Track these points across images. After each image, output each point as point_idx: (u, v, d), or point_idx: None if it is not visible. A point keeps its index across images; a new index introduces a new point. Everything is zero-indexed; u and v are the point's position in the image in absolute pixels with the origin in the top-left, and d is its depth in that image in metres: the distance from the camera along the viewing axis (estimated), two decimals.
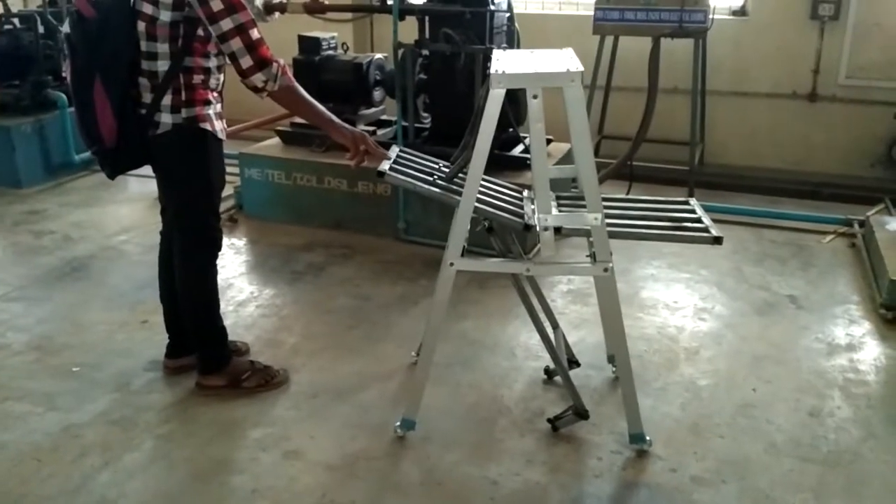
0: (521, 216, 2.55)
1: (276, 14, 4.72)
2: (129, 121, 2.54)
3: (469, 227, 2.44)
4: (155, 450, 2.60)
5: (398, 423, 2.64)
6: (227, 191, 4.94)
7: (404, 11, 4.22)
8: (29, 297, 3.69)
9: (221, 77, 2.71)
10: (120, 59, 2.49)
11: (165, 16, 2.47)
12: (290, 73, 2.60)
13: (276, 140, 4.90)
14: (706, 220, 2.58)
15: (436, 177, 2.63)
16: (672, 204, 2.79)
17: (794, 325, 3.48)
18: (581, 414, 2.69)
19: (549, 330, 2.94)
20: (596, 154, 5.58)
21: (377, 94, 4.81)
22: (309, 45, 4.81)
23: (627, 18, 4.90)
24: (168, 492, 2.40)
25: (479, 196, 2.43)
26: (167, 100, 2.54)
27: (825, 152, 5.55)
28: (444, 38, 4.08)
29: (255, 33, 2.47)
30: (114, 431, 2.69)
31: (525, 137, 4.49)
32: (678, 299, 3.71)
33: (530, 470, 2.51)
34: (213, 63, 2.62)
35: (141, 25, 2.49)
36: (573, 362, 3.03)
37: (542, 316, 2.95)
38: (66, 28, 2.56)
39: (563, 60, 2.48)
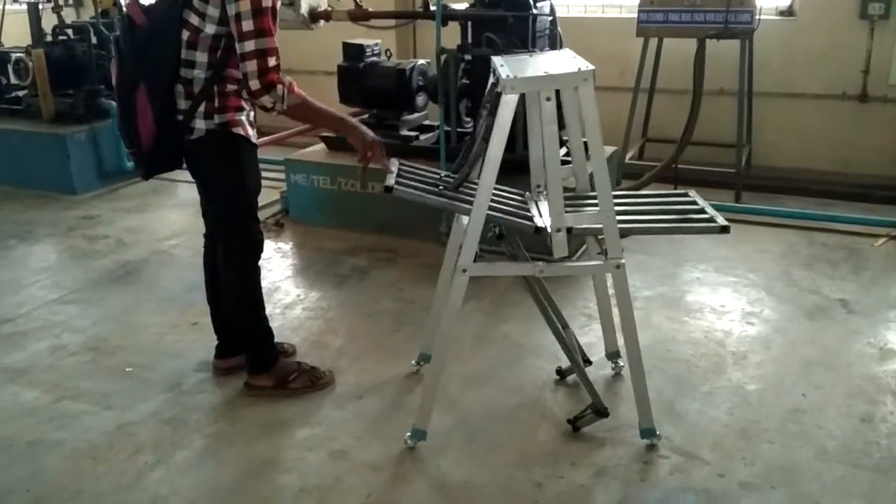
0: (530, 219, 2.55)
1: (322, 22, 4.79)
2: (166, 127, 2.61)
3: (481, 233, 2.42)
4: (205, 448, 2.66)
5: (408, 434, 2.61)
6: (274, 196, 5.07)
7: (447, 17, 4.25)
8: (84, 299, 3.80)
9: None
10: (166, 69, 2.57)
11: (210, 28, 2.55)
12: (297, 89, 2.64)
13: (321, 146, 4.97)
14: (710, 211, 2.58)
15: (441, 187, 2.63)
16: (673, 197, 2.79)
17: (846, 329, 3.40)
18: (601, 412, 2.69)
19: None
20: (640, 157, 5.61)
21: (420, 99, 4.85)
22: (353, 52, 4.87)
23: (672, 20, 4.86)
24: (217, 489, 2.46)
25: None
26: (202, 106, 2.62)
27: (876, 154, 5.41)
28: (487, 43, 4.09)
29: (272, 61, 2.52)
30: (165, 430, 2.76)
31: (566, 140, 4.52)
32: (725, 303, 3.66)
33: (575, 473, 2.50)
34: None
35: (185, 34, 2.56)
36: (586, 361, 3.03)
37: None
38: (117, 33, 2.65)
39: (569, 61, 2.48)
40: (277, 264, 4.22)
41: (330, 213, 4.69)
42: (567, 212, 2.44)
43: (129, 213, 5.06)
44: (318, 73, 6.72)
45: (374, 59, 4.92)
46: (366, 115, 5.02)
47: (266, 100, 2.54)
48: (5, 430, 2.76)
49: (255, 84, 2.51)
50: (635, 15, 5.05)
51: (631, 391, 2.63)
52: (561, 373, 3.05)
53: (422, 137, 4.87)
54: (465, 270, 2.44)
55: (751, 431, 2.69)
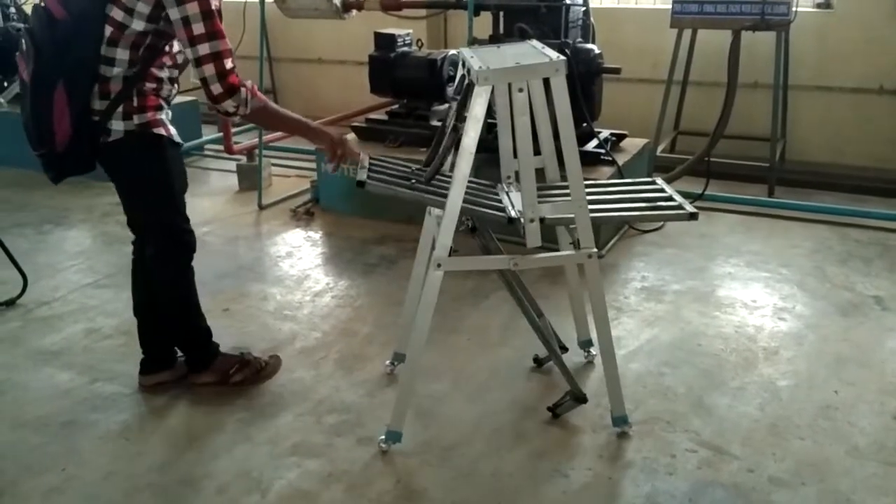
0: (503, 210, 2.54)
1: (353, 11, 4.81)
2: (83, 128, 2.46)
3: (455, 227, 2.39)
4: (236, 432, 2.70)
5: (382, 437, 2.56)
6: (304, 185, 5.11)
7: (479, 7, 4.24)
8: (117, 284, 3.85)
9: (174, 89, 2.67)
10: (87, 67, 2.43)
11: (138, 25, 2.42)
12: (258, 93, 2.56)
13: (351, 136, 4.99)
14: (678, 198, 2.59)
15: (413, 180, 2.60)
16: (640, 185, 2.79)
17: (879, 326, 3.35)
18: (580, 399, 2.71)
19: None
20: (671, 150, 5.56)
21: (451, 89, 4.84)
22: (384, 42, 4.88)
23: (707, 11, 4.79)
24: (248, 472, 2.49)
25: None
26: (120, 107, 2.48)
27: None
28: (519, 33, 4.08)
29: (228, 63, 2.43)
30: (198, 414, 2.80)
31: (599, 132, 4.49)
32: (757, 298, 3.62)
33: (602, 465, 2.50)
34: (165, 74, 2.58)
35: (107, 31, 2.41)
36: (562, 348, 3.03)
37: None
38: (30, 25, 2.47)
39: (538, 52, 2.46)
40: (307, 252, 4.25)
41: (359, 202, 4.70)
42: (538, 202, 2.44)
43: None
44: (349, 63, 6.76)
45: (406, 49, 4.93)
46: (396, 106, 5.04)
47: (228, 104, 2.45)
48: (41, 411, 2.82)
49: (216, 88, 2.41)
50: (669, 6, 4.99)
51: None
52: (538, 361, 3.06)
53: None
54: (439, 265, 2.40)
55: (781, 427, 2.67)
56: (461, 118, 2.41)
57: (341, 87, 6.84)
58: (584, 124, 4.38)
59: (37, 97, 2.44)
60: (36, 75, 2.43)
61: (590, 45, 4.38)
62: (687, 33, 5.17)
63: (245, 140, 5.63)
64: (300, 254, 4.22)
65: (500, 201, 2.63)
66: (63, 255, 4.19)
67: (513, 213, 2.49)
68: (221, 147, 5.52)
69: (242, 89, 2.47)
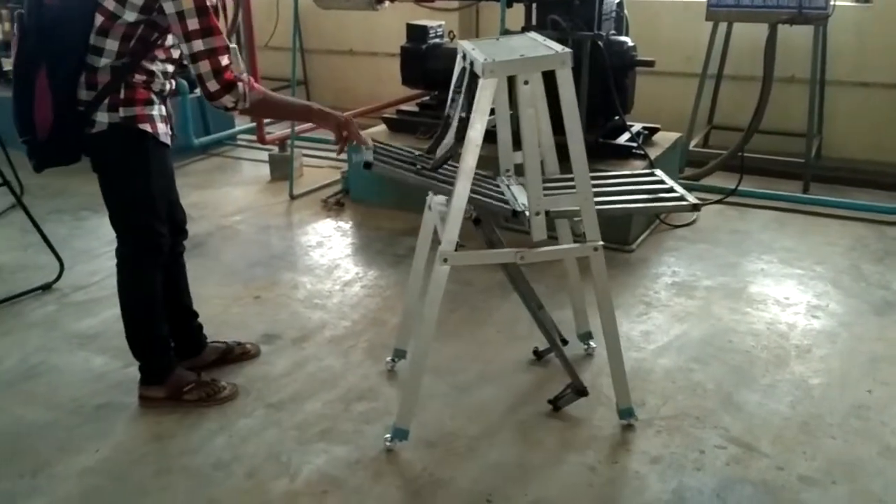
0: (506, 202, 2.53)
1: (386, 2, 4.82)
2: (65, 117, 2.40)
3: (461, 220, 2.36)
4: (266, 417, 2.73)
5: (389, 435, 2.53)
6: (335, 176, 5.14)
7: None
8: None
9: (168, 83, 2.59)
10: (72, 54, 2.37)
11: (130, 16, 2.35)
12: (256, 85, 2.52)
13: (382, 127, 5.01)
14: (679, 189, 2.56)
15: (419, 166, 2.58)
16: (640, 177, 2.77)
17: None
18: (581, 392, 2.71)
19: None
20: (705, 145, 5.50)
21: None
22: (416, 33, 4.89)
23: (743, 4, 4.72)
24: (277, 456, 2.52)
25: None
26: (107, 98, 2.42)
27: None
28: (552, 25, 4.06)
29: (224, 59, 2.37)
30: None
31: (631, 126, 4.46)
32: (790, 295, 3.57)
33: (629, 458, 2.49)
34: (157, 67, 2.50)
35: (98, 20, 2.35)
36: (562, 340, 3.01)
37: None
38: (23, 8, 2.41)
39: (539, 44, 2.44)
40: (337, 242, 4.28)
41: (389, 193, 4.72)
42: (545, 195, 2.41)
43: (195, 189, 5.19)
44: (381, 54, 6.78)
45: (438, 40, 4.93)
46: (427, 97, 5.04)
47: (226, 100, 2.40)
48: (76, 393, 2.88)
49: (213, 85, 2.36)
50: None
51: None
52: (538, 353, 3.06)
53: None
54: (445, 260, 2.36)
55: (813, 426, 2.64)
56: (468, 110, 2.37)
57: (373, 79, 6.86)
58: (617, 117, 4.36)
59: (19, 81, 2.40)
60: (19, 59, 2.39)
61: (623, 38, 4.35)
62: (722, 26, 5.12)
63: (277, 130, 5.67)
64: (330, 243, 4.25)
65: (501, 194, 2.62)
66: (99, 241, 4.26)
67: (517, 206, 2.48)
68: (254, 137, 5.57)
69: (239, 84, 2.41)
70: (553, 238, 2.56)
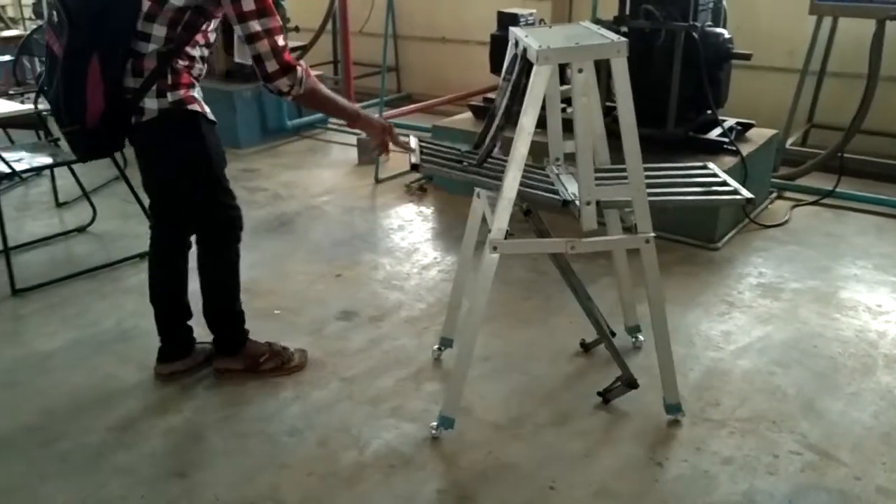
0: (556, 192, 2.49)
1: None
2: (116, 105, 2.39)
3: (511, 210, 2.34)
4: (339, 390, 2.82)
5: (435, 423, 2.53)
6: None
7: None
8: (242, 245, 4.07)
9: (204, 68, 2.59)
10: (123, 40, 2.35)
11: (178, 1, 2.34)
12: (311, 74, 2.50)
13: (468, 114, 5.04)
14: (733, 183, 2.48)
15: (465, 162, 2.56)
16: (693, 169, 2.70)
17: None
18: (631, 384, 2.66)
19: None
20: (803, 143, 5.29)
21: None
22: (507, 21, 4.87)
23: None
24: (348, 428, 2.60)
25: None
26: (154, 84, 2.41)
27: None
28: (645, 15, 3.99)
29: (280, 39, 2.37)
30: (305, 371, 2.93)
31: (724, 120, 4.34)
32: (883, 303, 3.41)
33: (698, 457, 2.45)
34: (197, 52, 2.51)
35: (144, 5, 2.34)
36: (611, 332, 2.94)
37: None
38: None
39: (593, 32, 2.38)
40: (418, 227, 4.34)
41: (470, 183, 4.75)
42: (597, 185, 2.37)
43: (286, 169, 5.36)
44: (472, 42, 6.78)
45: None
46: None
47: (283, 82, 2.39)
48: None
49: (271, 65, 2.36)
50: None
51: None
52: (585, 345, 3.03)
53: (568, 110, 4.80)
54: (495, 248, 2.34)
55: (895, 437, 2.53)
56: (515, 99, 2.35)
57: (463, 67, 6.88)
58: (709, 111, 4.25)
59: (69, 71, 2.35)
60: (69, 48, 2.34)
61: (719, 30, 4.23)
62: (827, 21, 4.89)
63: None
64: (411, 227, 4.32)
65: (551, 183, 2.60)
66: None
67: (567, 196, 2.46)
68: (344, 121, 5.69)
69: (298, 68, 2.41)
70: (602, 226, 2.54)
